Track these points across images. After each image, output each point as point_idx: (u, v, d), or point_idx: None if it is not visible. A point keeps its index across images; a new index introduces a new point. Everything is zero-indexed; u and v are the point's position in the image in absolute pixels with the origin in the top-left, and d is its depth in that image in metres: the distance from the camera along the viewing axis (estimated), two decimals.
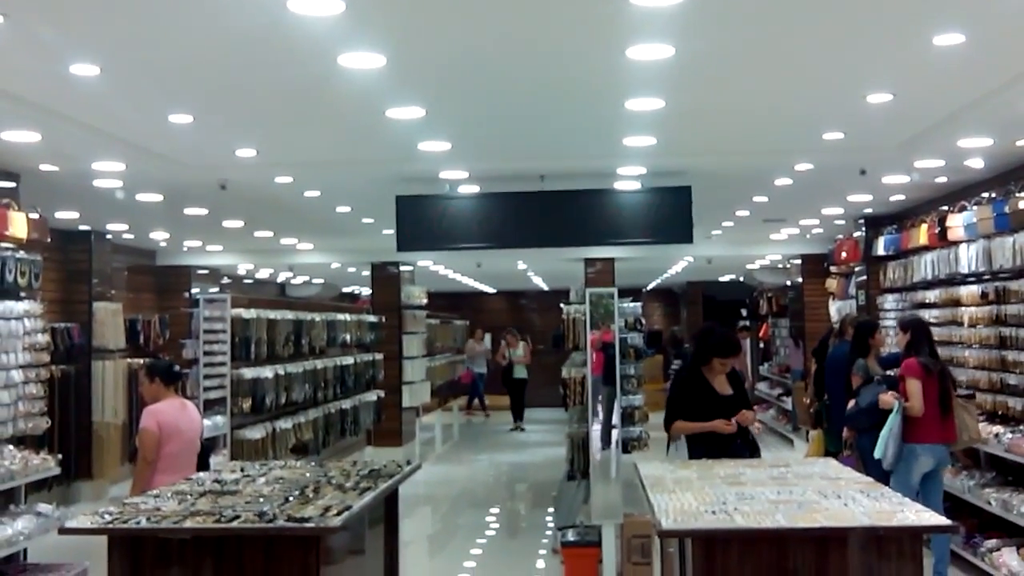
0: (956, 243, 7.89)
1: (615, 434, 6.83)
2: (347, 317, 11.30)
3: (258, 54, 4.49)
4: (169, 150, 6.64)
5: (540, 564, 7.29)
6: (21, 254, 6.87)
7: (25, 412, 6.84)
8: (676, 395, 5.48)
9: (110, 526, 3.84)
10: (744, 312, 19.11)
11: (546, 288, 22.32)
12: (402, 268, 13.71)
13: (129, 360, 10.12)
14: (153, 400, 5.27)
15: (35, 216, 6.99)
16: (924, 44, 4.39)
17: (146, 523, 3.83)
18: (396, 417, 13.17)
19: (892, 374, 7.14)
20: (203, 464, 5.39)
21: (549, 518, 8.65)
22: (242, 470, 5.09)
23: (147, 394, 5.34)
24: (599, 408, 6.94)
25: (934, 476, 5.89)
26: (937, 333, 8.43)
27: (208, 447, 5.65)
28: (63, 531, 4.02)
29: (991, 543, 6.23)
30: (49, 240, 7.37)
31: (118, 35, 4.20)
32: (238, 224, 10.75)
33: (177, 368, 5.46)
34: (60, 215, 9.01)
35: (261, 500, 4.17)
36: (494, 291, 23.90)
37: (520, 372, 17.25)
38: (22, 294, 6.94)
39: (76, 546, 5.35)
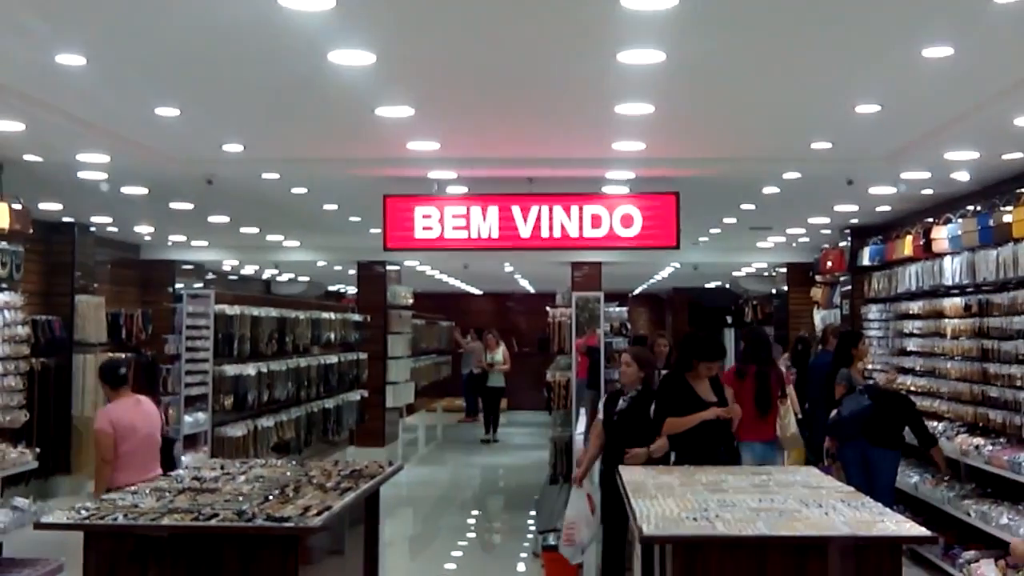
0: (940, 255, 7.93)
1: None
2: (332, 316, 11.25)
3: (246, 48, 4.46)
4: (155, 143, 6.58)
5: (521, 567, 7.27)
6: (2, 245, 6.81)
7: (3, 405, 6.77)
8: (662, 402, 5.48)
9: (86, 522, 3.80)
10: (729, 319, 19.20)
11: (533, 291, 22.33)
12: (388, 268, 13.67)
13: (111, 355, 10.02)
14: (109, 400, 5.36)
15: (17, 207, 6.92)
16: (913, 56, 4.42)
17: (123, 520, 3.79)
18: (379, 417, 13.12)
19: (874, 382, 7.19)
20: (167, 458, 5.41)
21: (531, 521, 8.64)
22: (222, 468, 5.05)
23: (106, 395, 5.47)
24: (583, 412, 6.94)
25: None
26: (920, 344, 8.51)
27: (171, 441, 5.66)
28: (38, 526, 3.97)
29: (969, 554, 6.26)
30: (31, 231, 7.30)
31: (105, 25, 4.16)
32: (224, 220, 10.68)
33: (123, 371, 5.47)
34: (43, 206, 8.92)
35: (240, 499, 4.14)
36: (480, 293, 23.89)
37: (496, 380, 15.37)
38: (2, 285, 6.87)
39: (53, 542, 5.27)
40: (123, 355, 10.09)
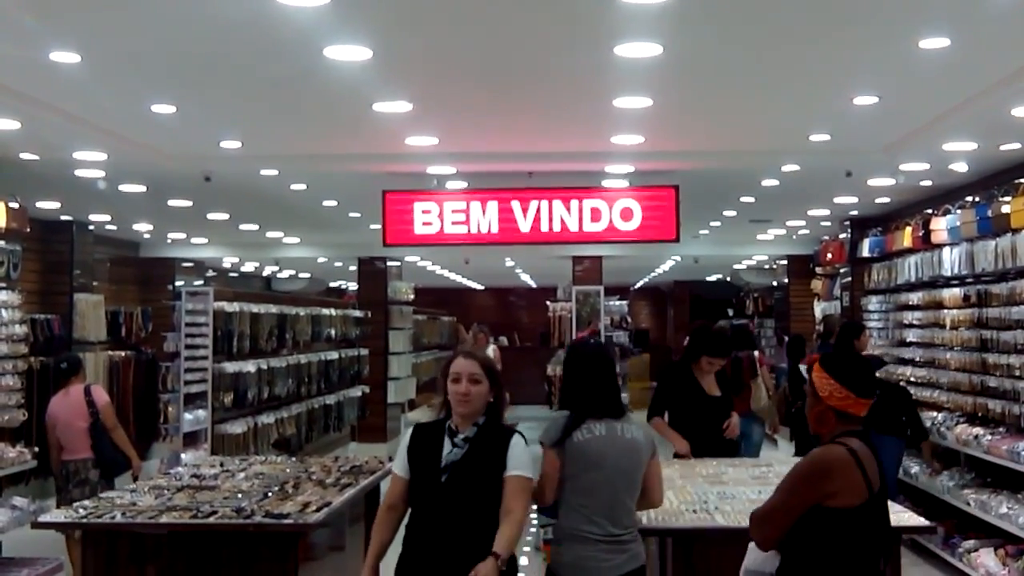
0: (939, 246, 7.92)
1: None
2: (332, 312, 11.23)
3: (243, 44, 4.44)
4: (152, 140, 6.57)
5: (523, 561, 7.25)
6: (0, 243, 6.79)
7: (2, 404, 6.78)
8: (662, 391, 5.48)
9: (84, 521, 3.80)
10: (730, 312, 19.19)
11: (534, 285, 22.33)
12: (389, 263, 13.65)
13: (110, 353, 10.02)
14: None
15: (14, 205, 6.91)
16: (910, 47, 4.40)
17: (121, 518, 3.79)
18: (381, 413, 13.12)
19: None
20: (99, 442, 6.01)
21: (532, 515, 8.64)
22: (221, 465, 5.06)
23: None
24: None
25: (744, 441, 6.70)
26: (919, 335, 8.52)
27: (99, 427, 6.11)
28: (36, 525, 3.97)
29: (969, 543, 6.26)
30: (29, 230, 7.29)
31: (99, 22, 4.14)
32: (223, 217, 10.67)
33: (64, 365, 6.36)
34: (41, 205, 8.91)
35: (239, 496, 4.13)
36: (482, 288, 23.88)
37: None
38: (0, 284, 6.87)
39: (53, 540, 5.29)
40: (123, 353, 10.12)
